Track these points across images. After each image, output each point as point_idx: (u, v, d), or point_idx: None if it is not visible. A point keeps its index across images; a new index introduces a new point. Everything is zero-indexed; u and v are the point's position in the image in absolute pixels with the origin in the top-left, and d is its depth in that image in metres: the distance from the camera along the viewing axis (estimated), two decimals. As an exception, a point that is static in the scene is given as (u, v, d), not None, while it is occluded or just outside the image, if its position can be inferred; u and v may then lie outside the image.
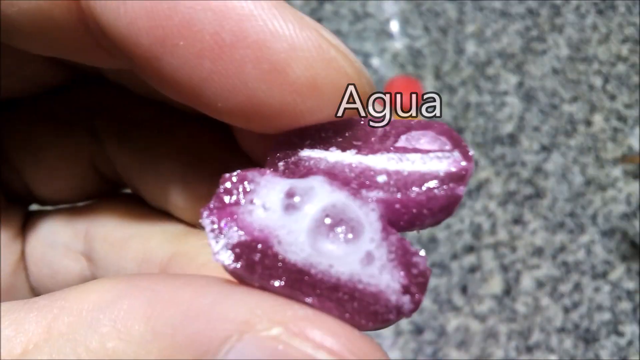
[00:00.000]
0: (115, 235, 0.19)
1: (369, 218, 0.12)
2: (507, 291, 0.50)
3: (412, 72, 0.60)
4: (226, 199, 0.12)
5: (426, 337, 0.48)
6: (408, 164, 0.13)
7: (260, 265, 0.11)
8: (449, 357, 0.47)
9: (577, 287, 0.50)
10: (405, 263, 0.12)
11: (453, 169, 0.13)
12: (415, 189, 0.13)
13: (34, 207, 0.21)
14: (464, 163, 0.13)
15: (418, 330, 0.49)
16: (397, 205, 0.12)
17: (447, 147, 0.13)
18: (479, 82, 0.59)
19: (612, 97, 0.58)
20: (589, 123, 0.56)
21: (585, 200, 0.53)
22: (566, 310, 0.49)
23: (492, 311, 0.49)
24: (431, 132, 0.13)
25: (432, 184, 0.13)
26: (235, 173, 0.12)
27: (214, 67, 0.12)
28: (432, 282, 0.50)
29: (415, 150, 0.13)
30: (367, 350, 0.11)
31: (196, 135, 0.19)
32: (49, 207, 0.21)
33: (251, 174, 0.12)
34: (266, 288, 0.12)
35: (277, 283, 0.11)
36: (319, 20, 0.62)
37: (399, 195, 0.12)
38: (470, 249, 0.51)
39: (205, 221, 0.12)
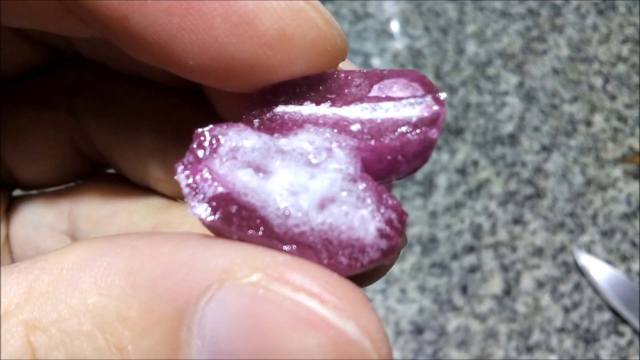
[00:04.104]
0: (99, 213, 0.19)
1: (344, 166, 0.12)
2: (507, 291, 0.49)
3: (412, 72, 0.60)
4: (200, 153, 0.12)
5: (426, 337, 0.48)
6: (381, 112, 0.13)
7: (237, 217, 0.12)
8: (449, 357, 0.47)
9: (577, 287, 0.50)
10: (381, 208, 0.12)
11: (425, 114, 0.13)
12: (389, 135, 0.13)
13: (17, 193, 0.21)
14: (436, 107, 0.13)
15: (418, 330, 0.49)
16: (372, 152, 0.13)
17: (419, 93, 0.13)
18: (480, 82, 0.59)
19: (613, 98, 0.57)
20: (589, 123, 0.56)
21: (586, 201, 0.53)
22: (566, 310, 0.49)
23: (492, 311, 0.49)
24: (403, 79, 0.13)
25: (405, 129, 0.13)
26: (207, 127, 0.12)
27: (183, 22, 0.12)
28: (432, 282, 0.50)
29: (388, 99, 0.13)
30: (346, 291, 0.11)
31: (174, 108, 0.19)
32: (32, 192, 0.21)
33: (224, 128, 0.13)
34: (244, 239, 0.12)
35: (254, 233, 0.11)
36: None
37: (372, 142, 0.13)
38: (470, 249, 0.51)
39: (181, 176, 0.12)
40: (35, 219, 0.20)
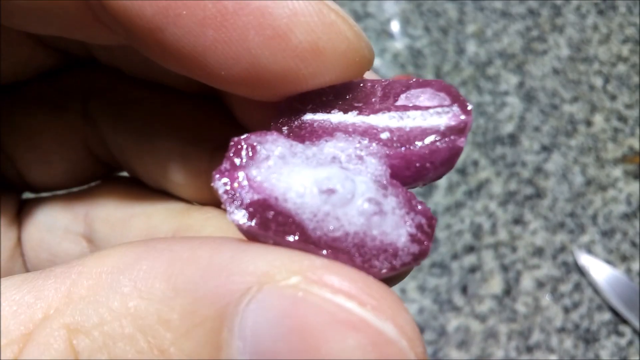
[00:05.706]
0: (117, 215, 0.19)
1: (375, 173, 0.13)
2: (508, 291, 0.49)
3: (412, 72, 0.60)
4: (237, 160, 0.13)
5: (426, 337, 0.48)
6: (409, 120, 0.13)
7: (274, 222, 0.12)
8: (449, 357, 0.47)
9: (577, 287, 0.50)
10: (411, 213, 0.12)
11: (453, 123, 0.13)
12: (418, 143, 0.13)
13: (27, 195, 0.21)
14: (463, 116, 0.13)
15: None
16: (401, 159, 0.13)
17: (446, 102, 0.13)
18: (480, 82, 0.59)
19: (613, 98, 0.57)
20: (589, 123, 0.56)
21: (586, 201, 0.53)
22: (566, 310, 0.49)
23: (492, 311, 0.49)
24: (430, 89, 0.14)
25: (434, 137, 0.13)
26: (244, 136, 0.13)
27: (217, 35, 0.12)
28: (432, 282, 0.50)
29: (416, 108, 0.13)
30: (383, 292, 0.11)
31: (190, 113, 0.19)
32: (44, 194, 0.21)
33: (259, 136, 0.13)
34: (281, 244, 0.12)
35: (291, 238, 0.12)
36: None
37: (402, 150, 0.13)
38: (470, 249, 0.51)
39: (218, 183, 0.12)
40: (49, 222, 0.20)
